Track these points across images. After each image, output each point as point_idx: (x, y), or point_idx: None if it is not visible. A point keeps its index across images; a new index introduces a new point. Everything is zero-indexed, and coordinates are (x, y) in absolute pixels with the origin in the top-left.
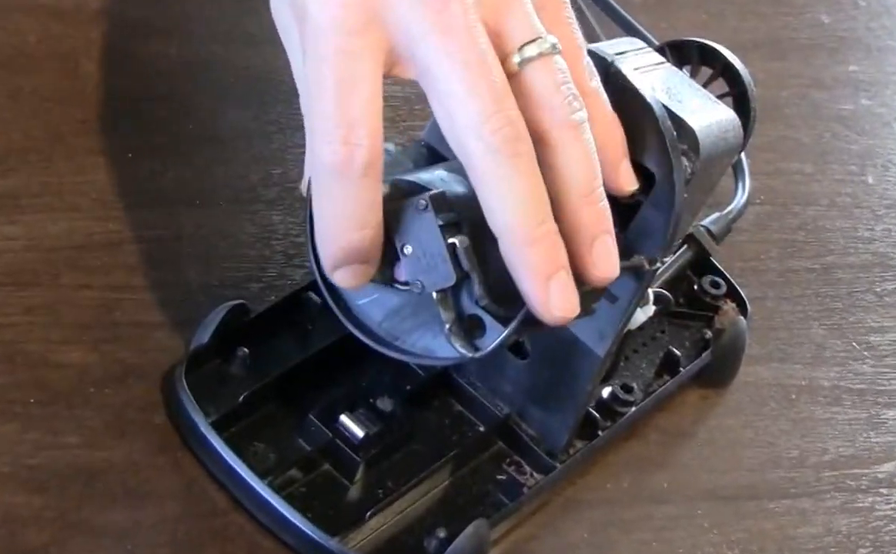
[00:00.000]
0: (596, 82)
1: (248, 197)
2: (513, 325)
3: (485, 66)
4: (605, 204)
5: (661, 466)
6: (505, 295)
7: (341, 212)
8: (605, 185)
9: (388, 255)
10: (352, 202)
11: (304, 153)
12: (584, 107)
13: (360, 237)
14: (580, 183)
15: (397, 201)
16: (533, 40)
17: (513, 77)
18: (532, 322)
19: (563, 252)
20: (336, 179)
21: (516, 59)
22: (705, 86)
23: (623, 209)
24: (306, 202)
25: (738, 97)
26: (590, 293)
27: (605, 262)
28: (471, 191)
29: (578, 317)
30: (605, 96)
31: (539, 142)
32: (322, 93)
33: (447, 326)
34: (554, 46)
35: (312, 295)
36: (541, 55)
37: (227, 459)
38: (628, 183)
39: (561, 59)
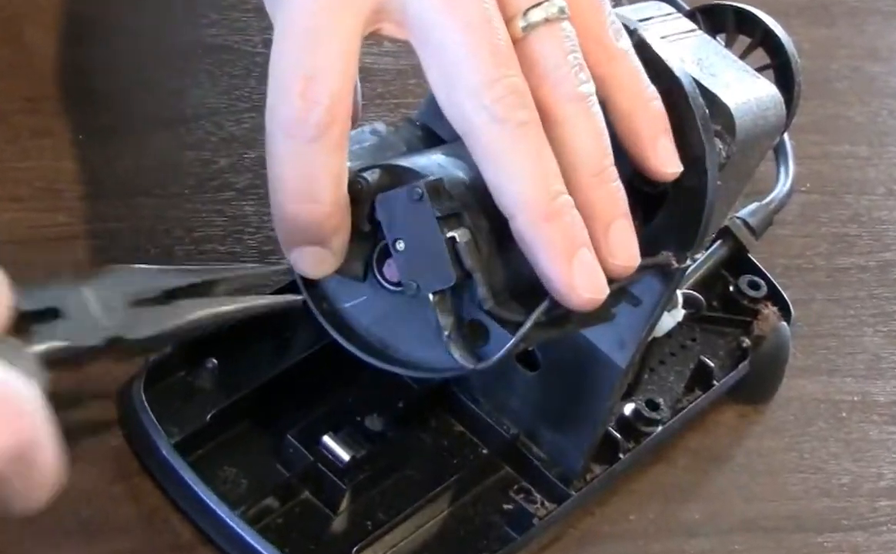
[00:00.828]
0: (625, 42)
1: (217, 185)
2: (522, 330)
3: (489, 26)
4: (619, 184)
5: (693, 495)
6: (513, 297)
7: (289, 178)
8: (639, 167)
9: (379, 251)
10: (301, 167)
11: None
12: (591, 78)
13: (309, 211)
14: (589, 160)
15: (388, 190)
16: (539, 3)
17: (516, 43)
18: (545, 326)
19: (583, 228)
20: (286, 139)
21: (521, 23)
22: (742, 57)
23: (647, 199)
24: None
25: (780, 69)
26: (609, 295)
27: (624, 249)
28: (473, 177)
29: (597, 322)
30: (635, 60)
31: (542, 116)
32: (286, 41)
33: (446, 332)
34: (562, 11)
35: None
36: (547, 21)
37: (193, 485)
38: (667, 163)
39: (569, 26)
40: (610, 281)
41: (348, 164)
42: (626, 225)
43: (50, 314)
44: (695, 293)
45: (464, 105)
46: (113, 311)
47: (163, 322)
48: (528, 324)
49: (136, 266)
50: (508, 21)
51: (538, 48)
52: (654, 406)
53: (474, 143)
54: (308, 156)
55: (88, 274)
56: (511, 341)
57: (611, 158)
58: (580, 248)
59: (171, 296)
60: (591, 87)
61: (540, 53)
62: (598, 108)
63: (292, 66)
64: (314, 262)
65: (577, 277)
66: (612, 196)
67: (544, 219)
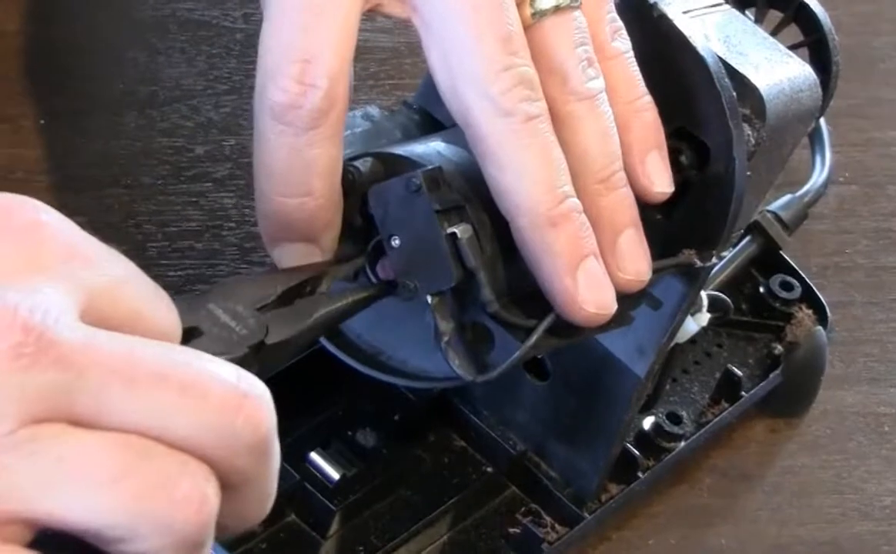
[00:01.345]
0: (622, 43)
1: (194, 175)
2: (531, 340)
3: (499, 9)
4: (629, 190)
5: (719, 518)
6: (520, 300)
7: (279, 168)
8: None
9: (372, 249)
10: (292, 157)
11: None
12: (601, 73)
13: (299, 205)
14: (595, 165)
15: (382, 180)
16: None
17: (525, 31)
18: (556, 333)
19: (591, 235)
20: (278, 125)
21: (529, 10)
22: (774, 34)
23: None
24: None
25: (816, 47)
26: (626, 298)
27: (634, 261)
28: (476, 167)
29: (613, 326)
30: (631, 64)
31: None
32: (280, 18)
33: (445, 338)
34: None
35: None
36: (557, 8)
37: None
38: (655, 181)
39: (581, 16)
40: (618, 294)
41: None
42: (635, 235)
43: (193, 333)
44: (721, 295)
45: (467, 94)
46: (244, 319)
47: (296, 322)
48: (538, 331)
49: (244, 275)
50: (517, 6)
51: (546, 37)
52: (676, 420)
53: (476, 137)
54: (302, 145)
55: (205, 292)
56: (518, 351)
57: (620, 162)
58: (587, 258)
59: (286, 298)
60: (600, 84)
61: (547, 43)
62: (607, 108)
63: (286, 45)
64: (301, 259)
65: (583, 290)
66: (621, 204)
67: (549, 224)
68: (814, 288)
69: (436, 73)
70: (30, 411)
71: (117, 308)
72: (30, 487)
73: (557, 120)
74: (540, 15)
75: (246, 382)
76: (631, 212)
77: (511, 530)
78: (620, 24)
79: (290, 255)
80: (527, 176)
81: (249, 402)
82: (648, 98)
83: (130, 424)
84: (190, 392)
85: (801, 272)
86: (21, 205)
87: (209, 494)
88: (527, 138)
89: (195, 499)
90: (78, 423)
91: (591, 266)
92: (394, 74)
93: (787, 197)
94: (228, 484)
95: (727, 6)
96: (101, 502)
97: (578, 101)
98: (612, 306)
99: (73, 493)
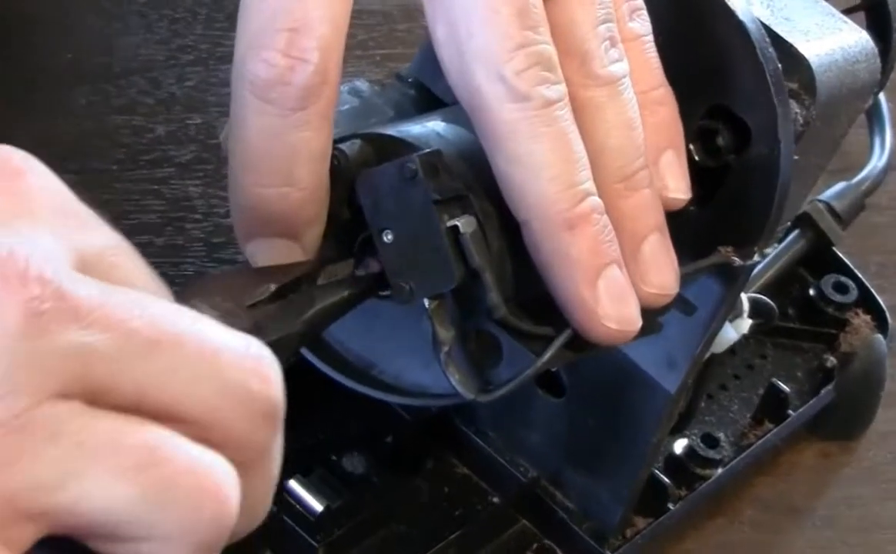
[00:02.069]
0: (641, 25)
1: (153, 158)
2: (546, 354)
3: None
4: (654, 191)
5: None
6: (531, 303)
7: (258, 154)
8: None
9: (360, 244)
10: (275, 141)
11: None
12: (625, 56)
13: (281, 196)
14: (616, 160)
15: (372, 166)
16: None
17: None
18: (573, 346)
19: (614, 239)
20: (260, 103)
21: None
22: None
23: (703, 175)
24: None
25: (874, 12)
26: None
27: (659, 272)
28: (481, 150)
29: (640, 335)
30: (650, 49)
31: None
32: None
33: (445, 348)
34: None
35: None
36: None
37: None
38: (670, 186)
39: None
40: (641, 309)
41: None
42: (660, 242)
43: None
44: (765, 298)
45: (476, 74)
46: (235, 317)
47: (290, 320)
48: (553, 346)
49: (227, 270)
50: None
51: (564, 12)
52: (712, 442)
53: (484, 124)
54: (288, 128)
55: (187, 286)
56: (530, 366)
57: (643, 158)
58: (609, 266)
59: (280, 294)
60: (623, 67)
61: (566, 20)
62: (630, 94)
63: (272, 10)
64: (279, 258)
65: (604, 304)
66: (644, 206)
67: (566, 226)
68: (872, 290)
69: (440, 48)
70: (47, 384)
71: (110, 276)
72: (49, 476)
73: (574, 107)
74: None
75: (255, 346)
76: (655, 215)
77: None
78: (640, 2)
79: (268, 253)
80: (541, 171)
81: (262, 364)
82: (666, 89)
83: (151, 395)
84: (208, 355)
85: (857, 272)
86: (8, 154)
87: (234, 483)
88: (543, 127)
89: (224, 487)
90: (94, 395)
91: (613, 275)
92: (385, 43)
93: (842, 185)
94: (242, 463)
95: None
96: (125, 492)
97: (598, 86)
98: (636, 322)
99: (95, 482)
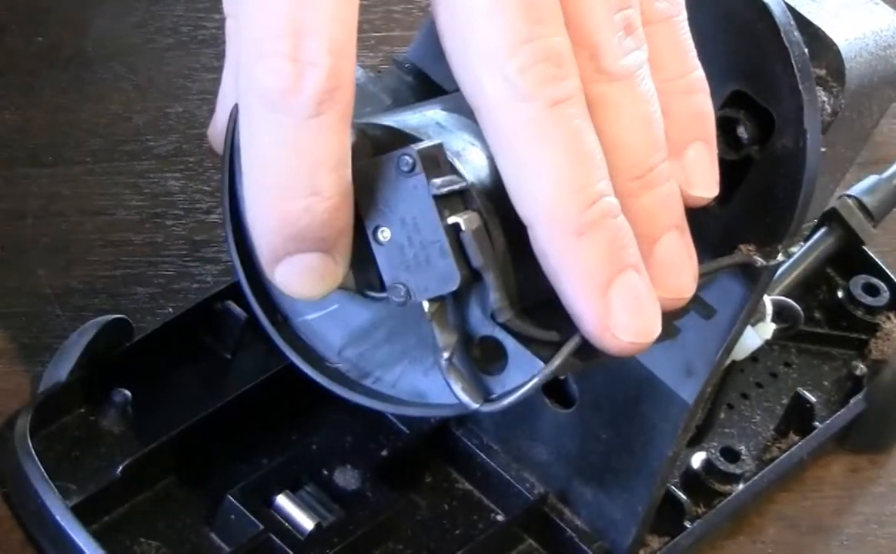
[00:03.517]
0: (668, 4)
1: (131, 150)
2: (554, 363)
3: None
4: (672, 187)
5: None
6: (539, 306)
7: (279, 168)
8: None
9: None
10: (295, 153)
11: (217, 81)
12: (643, 43)
13: (307, 208)
14: (630, 158)
15: (368, 158)
16: None
17: None
18: (582, 353)
19: (632, 243)
20: (274, 115)
21: None
22: None
23: (723, 172)
24: (223, 155)
25: None
26: None
27: (675, 273)
28: (486, 143)
29: (655, 341)
30: (682, 30)
31: None
32: None
33: (445, 355)
34: None
35: (233, 305)
36: None
37: None
38: (695, 181)
39: None
40: None
41: None
42: (677, 241)
43: None
44: (790, 301)
45: (477, 70)
46: None
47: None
48: (562, 354)
49: None
50: None
51: (576, 1)
52: (733, 456)
53: (488, 124)
54: (306, 137)
55: None
56: (537, 375)
57: (661, 153)
58: (623, 272)
59: None
60: (640, 57)
61: (578, 8)
62: (648, 87)
63: (273, 12)
64: (315, 275)
65: (617, 312)
66: (660, 205)
67: (573, 233)
68: None
69: (445, 38)
70: None
71: None
72: None
73: (587, 102)
74: None
75: None
76: (671, 214)
77: None
78: None
79: (301, 272)
80: (547, 176)
81: None
82: (699, 75)
83: None
84: None
85: (889, 273)
86: None
87: None
88: (549, 129)
89: None
90: None
91: (629, 283)
92: (381, 26)
93: (873, 179)
94: None
95: None
96: None
97: (609, 82)
98: (653, 332)
99: None
